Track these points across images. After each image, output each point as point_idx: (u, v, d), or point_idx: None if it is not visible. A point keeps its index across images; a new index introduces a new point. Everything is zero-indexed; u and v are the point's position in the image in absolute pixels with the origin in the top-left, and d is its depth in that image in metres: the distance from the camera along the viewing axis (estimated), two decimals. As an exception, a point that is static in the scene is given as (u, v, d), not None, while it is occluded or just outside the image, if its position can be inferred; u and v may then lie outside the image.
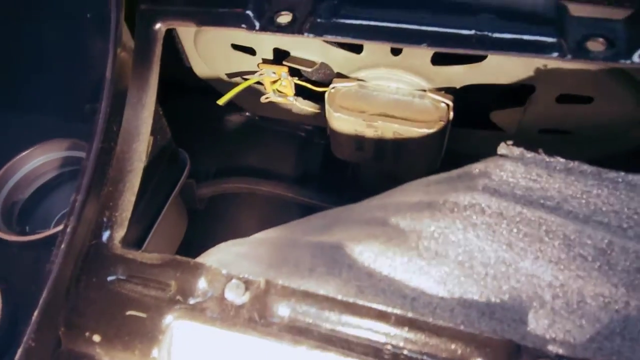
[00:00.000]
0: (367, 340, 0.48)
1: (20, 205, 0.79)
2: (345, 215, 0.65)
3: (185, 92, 1.08)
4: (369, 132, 0.78)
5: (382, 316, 0.48)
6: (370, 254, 0.54)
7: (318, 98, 0.93)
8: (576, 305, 0.47)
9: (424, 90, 0.77)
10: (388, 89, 0.77)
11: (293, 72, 0.85)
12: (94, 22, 0.63)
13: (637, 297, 0.46)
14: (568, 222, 0.51)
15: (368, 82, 0.79)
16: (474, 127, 0.85)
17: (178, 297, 0.53)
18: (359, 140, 0.81)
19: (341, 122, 0.78)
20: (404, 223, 0.56)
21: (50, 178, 0.82)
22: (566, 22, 0.53)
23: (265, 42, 0.82)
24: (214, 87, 1.01)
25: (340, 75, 0.82)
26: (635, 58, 0.49)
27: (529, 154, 0.57)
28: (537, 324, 0.47)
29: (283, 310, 0.50)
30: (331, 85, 0.79)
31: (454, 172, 0.61)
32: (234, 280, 0.53)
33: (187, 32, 0.82)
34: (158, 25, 0.62)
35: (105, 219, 0.58)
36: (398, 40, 0.56)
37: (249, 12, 0.61)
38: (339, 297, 0.49)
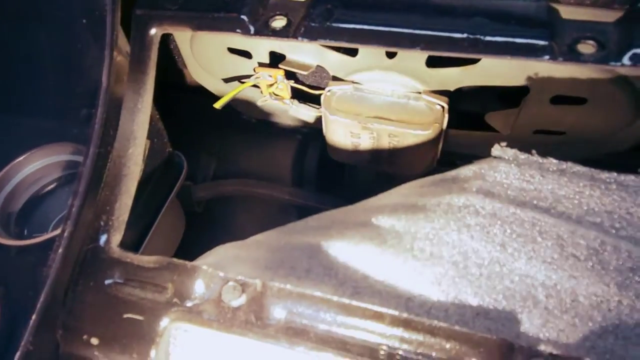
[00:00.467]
0: (363, 341, 0.48)
1: (18, 210, 0.79)
2: (341, 216, 0.65)
3: (182, 94, 1.08)
4: (365, 135, 0.79)
5: (377, 317, 0.48)
6: (366, 256, 0.55)
7: (314, 101, 0.94)
8: (569, 305, 0.47)
9: (419, 93, 0.77)
10: (383, 92, 0.78)
11: (289, 75, 0.86)
12: (90, 27, 0.63)
13: (629, 296, 0.46)
14: (561, 223, 0.51)
15: (363, 84, 0.79)
16: (469, 128, 0.86)
17: (175, 300, 0.54)
18: (355, 143, 0.81)
19: (337, 124, 0.79)
20: (399, 225, 0.56)
21: (47, 182, 0.83)
22: (557, 25, 0.54)
23: (261, 46, 0.82)
24: (210, 90, 1.02)
25: (336, 78, 0.82)
26: (625, 60, 0.50)
27: (523, 156, 0.57)
28: (531, 323, 0.47)
29: (279, 311, 0.51)
30: (327, 88, 0.80)
31: (448, 174, 0.62)
32: (230, 283, 0.54)
33: (183, 36, 0.82)
34: (154, 30, 0.62)
35: (102, 223, 0.58)
36: (392, 43, 0.56)
37: (243, 17, 0.61)
38: (335, 298, 0.50)
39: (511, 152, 0.58)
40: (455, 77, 0.75)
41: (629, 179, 0.53)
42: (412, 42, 0.55)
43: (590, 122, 0.78)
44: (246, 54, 0.85)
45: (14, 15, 0.75)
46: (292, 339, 0.50)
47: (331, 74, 0.83)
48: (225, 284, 0.54)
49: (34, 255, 0.73)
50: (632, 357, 0.45)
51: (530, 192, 0.54)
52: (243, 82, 0.92)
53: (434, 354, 0.47)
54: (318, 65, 0.83)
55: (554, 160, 0.56)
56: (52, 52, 0.72)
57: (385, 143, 0.79)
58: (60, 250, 0.56)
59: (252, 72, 0.88)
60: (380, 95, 0.78)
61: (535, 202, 0.54)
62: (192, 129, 1.17)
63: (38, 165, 0.80)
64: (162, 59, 0.97)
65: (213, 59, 0.90)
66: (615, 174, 0.53)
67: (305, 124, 1.06)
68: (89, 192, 0.59)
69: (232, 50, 0.85)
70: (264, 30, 0.61)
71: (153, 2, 0.64)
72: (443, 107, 0.76)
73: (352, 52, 0.76)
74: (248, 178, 1.11)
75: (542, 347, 0.45)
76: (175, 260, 0.56)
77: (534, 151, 0.57)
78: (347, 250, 0.56)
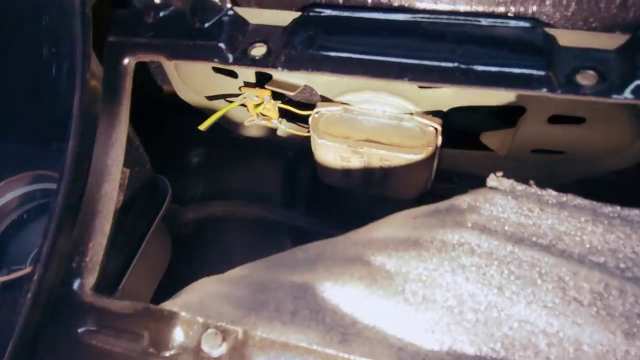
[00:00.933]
0: (351, 396, 0.45)
1: (-7, 242, 0.76)
2: (329, 250, 0.62)
3: (168, 113, 1.05)
4: (355, 159, 0.75)
5: (366, 370, 0.45)
6: (354, 299, 0.51)
7: (303, 119, 0.90)
8: (573, 354, 0.44)
9: (411, 114, 0.74)
10: (374, 113, 0.74)
11: (276, 95, 0.82)
12: (59, 55, 0.60)
13: (637, 345, 0.43)
14: (562, 262, 0.48)
15: (353, 105, 0.76)
16: (465, 146, 0.83)
17: (151, 350, 0.50)
18: (345, 166, 0.78)
19: (326, 148, 0.75)
20: (390, 263, 0.53)
21: (20, 214, 0.79)
22: (555, 53, 0.50)
23: (246, 66, 0.79)
24: (196, 107, 0.98)
25: (325, 99, 0.79)
26: (627, 93, 0.47)
27: (520, 187, 0.54)
28: (533, 374, 0.44)
29: (262, 363, 0.47)
30: (315, 110, 0.77)
31: (442, 205, 0.58)
32: (210, 330, 0.50)
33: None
34: (127, 60, 0.59)
35: (74, 265, 0.55)
36: (378, 74, 0.53)
37: (221, 45, 0.58)
38: (321, 349, 0.46)
39: (508, 183, 0.54)
40: (449, 98, 0.71)
41: (634, 213, 0.50)
42: (399, 73, 0.52)
43: (590, 142, 0.75)
44: (232, 74, 0.82)
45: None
46: (275, 393, 0.46)
47: (319, 94, 0.79)
48: (205, 330, 0.50)
49: (11, 291, 0.69)
50: (641, 410, 0.42)
51: (529, 228, 0.51)
52: (230, 101, 0.88)
53: (427, 410, 0.43)
54: (306, 85, 0.80)
55: (554, 192, 0.53)
56: (26, 80, 0.69)
57: (377, 167, 0.75)
58: (29, 295, 0.52)
59: (239, 91, 0.84)
60: (370, 116, 0.74)
61: (534, 239, 0.50)
62: (178, 147, 1.13)
63: (8, 198, 0.76)
64: (145, 76, 0.94)
65: (198, 78, 0.87)
66: (618, 208, 0.50)
67: (295, 142, 1.03)
68: (60, 231, 0.55)
69: (217, 70, 0.82)
70: (243, 59, 0.57)
71: (126, 29, 0.60)
72: (436, 128, 0.72)
73: (341, 72, 0.73)
74: (238, 197, 1.08)
75: (544, 403, 0.42)
76: (151, 306, 0.52)
77: (532, 182, 0.54)
78: (334, 290, 0.53)
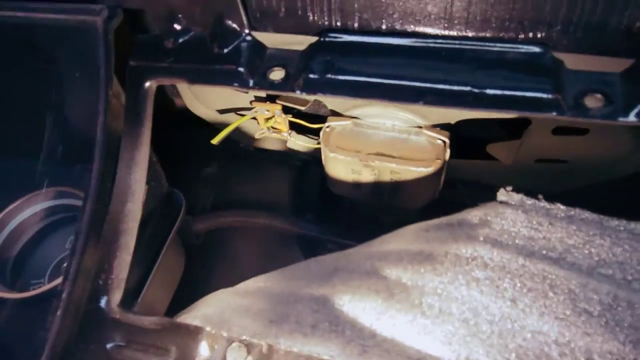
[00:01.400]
0: (373, 407, 0.47)
1: (14, 256, 0.78)
2: (343, 263, 0.64)
3: (179, 125, 1.07)
4: (366, 172, 0.77)
5: (387, 382, 0.47)
6: (372, 312, 0.53)
7: (313, 131, 0.92)
8: (584, 364, 0.46)
9: (420, 127, 0.76)
10: (383, 127, 0.77)
11: (286, 108, 0.84)
12: (84, 79, 0.62)
13: (645, 354, 0.45)
14: (572, 275, 0.50)
15: (363, 119, 0.78)
16: (471, 156, 0.85)
17: (179, 364, 0.52)
18: (355, 178, 0.80)
19: (337, 161, 0.77)
20: (406, 277, 0.55)
21: (39, 229, 0.81)
22: (563, 77, 0.53)
23: (258, 81, 0.81)
24: (206, 120, 1.00)
25: (335, 113, 0.81)
26: (632, 116, 0.49)
27: (529, 201, 0.56)
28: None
29: (287, 376, 0.50)
30: (325, 124, 0.79)
31: (454, 218, 0.61)
32: (235, 343, 0.52)
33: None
34: (148, 83, 0.61)
35: (101, 282, 0.57)
36: (393, 97, 0.55)
37: (241, 69, 0.60)
38: (344, 361, 0.48)
39: (517, 198, 0.56)
40: (456, 112, 0.73)
41: (640, 227, 0.52)
42: (415, 96, 0.54)
43: (593, 152, 0.77)
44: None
45: (13, 63, 0.73)
46: (300, 404, 0.49)
47: (329, 108, 0.81)
48: (230, 344, 0.52)
49: (32, 307, 0.71)
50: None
51: (539, 242, 0.53)
52: (240, 115, 0.90)
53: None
54: (315, 100, 0.82)
55: (562, 207, 0.55)
56: (49, 101, 0.70)
57: (387, 179, 0.78)
58: (58, 313, 0.54)
59: (249, 105, 0.86)
60: (380, 130, 0.77)
61: (544, 252, 0.53)
62: (188, 159, 1.15)
63: (35, 209, 0.78)
64: (157, 89, 0.96)
65: (210, 93, 0.89)
66: (624, 222, 0.52)
67: (304, 152, 1.05)
68: (87, 249, 0.57)
69: (228, 85, 0.84)
70: (263, 83, 0.59)
71: (147, 53, 0.62)
72: (445, 142, 0.75)
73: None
74: (247, 207, 1.09)
75: (558, 411, 0.44)
76: (178, 321, 0.54)
77: (540, 196, 0.56)
78: (353, 304, 0.55)
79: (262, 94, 0.81)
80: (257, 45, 0.61)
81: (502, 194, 0.58)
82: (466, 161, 0.85)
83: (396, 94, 0.55)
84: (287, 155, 1.13)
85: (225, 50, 0.61)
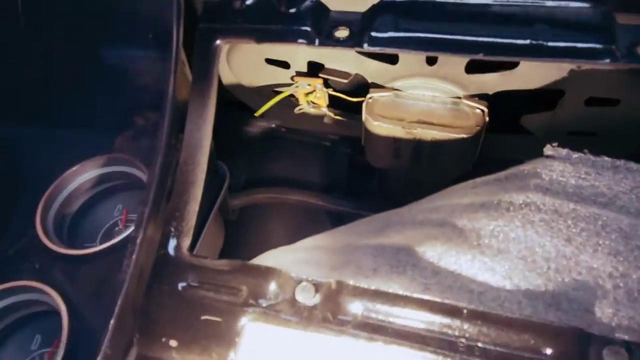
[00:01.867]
0: (441, 334, 0.50)
1: (69, 220, 0.81)
2: (395, 218, 0.67)
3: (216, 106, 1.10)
4: (407, 139, 0.81)
5: (454, 311, 0.50)
6: (433, 254, 0.57)
7: (349, 108, 0.96)
8: (637, 294, 0.50)
9: (459, 98, 0.80)
10: (424, 97, 0.80)
11: (326, 83, 0.88)
12: (154, 41, 0.65)
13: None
14: (622, 217, 0.53)
15: (404, 91, 0.82)
16: (504, 132, 0.89)
17: (251, 301, 0.55)
18: (396, 148, 0.84)
19: (379, 130, 0.81)
20: (461, 223, 0.58)
21: (95, 193, 0.84)
22: (615, 30, 0.57)
23: (301, 56, 0.84)
24: (240, 100, 1.04)
25: (375, 85, 0.85)
26: None
27: (576, 154, 0.60)
28: (602, 312, 0.49)
29: (356, 309, 0.53)
30: (368, 95, 0.82)
31: (501, 174, 0.64)
32: (303, 283, 0.55)
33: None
34: (218, 42, 0.65)
35: (172, 229, 0.60)
36: (456, 51, 0.59)
37: (307, 28, 0.64)
38: (411, 294, 0.52)
39: (564, 152, 0.60)
40: (494, 82, 0.77)
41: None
42: (475, 49, 0.58)
43: (623, 122, 0.81)
44: (284, 64, 0.87)
45: (77, 30, 0.77)
46: (370, 334, 0.52)
47: (370, 81, 0.85)
48: (298, 284, 0.55)
49: (90, 264, 0.74)
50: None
51: (588, 189, 0.57)
52: (277, 92, 0.94)
53: (511, 345, 0.49)
54: (356, 74, 0.86)
55: (607, 158, 0.59)
56: (106, 68, 0.74)
57: (427, 147, 0.81)
58: (133, 256, 0.57)
59: (289, 82, 0.90)
60: (421, 101, 0.80)
61: (593, 198, 0.56)
62: (222, 138, 1.19)
63: (90, 176, 0.82)
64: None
65: (250, 70, 0.93)
66: (668, 169, 0.56)
67: (338, 131, 1.09)
68: (157, 200, 0.60)
69: (269, 61, 0.88)
70: (329, 40, 0.63)
71: (215, 16, 0.66)
72: (483, 110, 0.78)
73: (393, 60, 0.79)
74: (279, 185, 1.13)
75: (615, 335, 0.48)
76: (248, 263, 0.57)
77: (586, 150, 0.60)
78: (411, 248, 0.58)
79: (303, 66, 0.84)
80: (321, 7, 0.65)
81: (548, 149, 0.61)
82: (500, 136, 0.89)
83: (458, 47, 0.59)
84: (317, 137, 1.17)
85: (292, 11, 0.65)
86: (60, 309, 0.65)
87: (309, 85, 0.88)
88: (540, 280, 0.52)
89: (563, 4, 0.59)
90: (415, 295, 0.52)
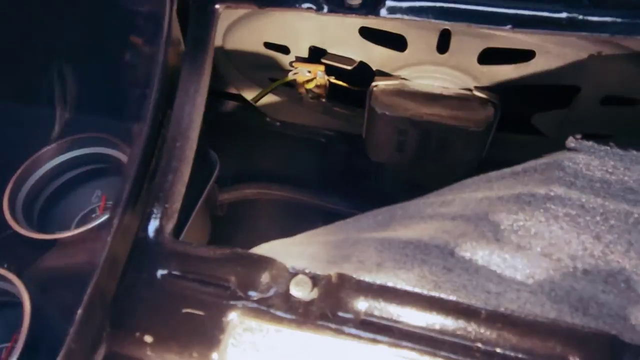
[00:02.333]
0: (454, 337, 0.44)
1: (41, 204, 0.74)
2: (401, 212, 0.62)
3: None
4: (412, 132, 0.76)
5: (470, 312, 0.44)
6: (444, 249, 0.51)
7: (349, 101, 0.91)
8: (674, 299, 0.44)
9: (469, 90, 0.75)
10: (432, 87, 0.75)
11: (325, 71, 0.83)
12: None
13: None
14: (655, 214, 0.48)
15: (411, 80, 0.77)
16: (513, 132, 0.84)
17: (239, 294, 0.49)
18: (400, 140, 0.78)
19: (384, 120, 0.76)
20: (475, 217, 0.53)
21: (71, 177, 0.78)
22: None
23: (302, 40, 0.79)
24: (232, 90, 0.98)
25: (381, 74, 0.79)
26: None
27: (602, 147, 0.55)
28: (637, 319, 0.44)
29: (359, 305, 0.47)
30: (373, 84, 0.77)
31: (518, 167, 0.59)
32: (300, 275, 0.49)
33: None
34: (217, 5, 0.59)
35: (155, 210, 0.53)
36: (479, 21, 0.54)
37: (315, -7, 0.58)
38: (422, 291, 0.46)
39: (589, 143, 0.55)
40: (507, 75, 0.73)
41: None
42: (501, 20, 0.53)
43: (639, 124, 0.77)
44: (284, 49, 0.82)
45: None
46: (374, 335, 0.46)
47: (375, 68, 0.80)
48: (294, 276, 0.49)
49: (59, 250, 0.67)
50: None
51: (616, 184, 0.52)
52: (274, 79, 0.89)
53: (534, 351, 0.43)
54: (360, 61, 0.81)
55: (635, 152, 0.54)
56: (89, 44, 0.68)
57: (433, 140, 0.76)
58: (108, 239, 0.51)
59: (288, 68, 0.84)
60: (429, 91, 0.75)
61: (622, 194, 0.51)
62: (211, 130, 1.13)
63: (61, 159, 0.75)
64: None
65: (247, 54, 0.87)
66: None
67: (334, 126, 1.03)
68: (139, 177, 0.54)
69: (268, 45, 0.82)
70: (340, 8, 0.58)
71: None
72: (495, 104, 0.74)
73: (401, 47, 0.74)
74: (271, 181, 1.07)
75: (651, 344, 0.42)
76: (239, 250, 0.51)
77: (612, 143, 0.55)
78: (420, 242, 0.53)
79: (303, 52, 0.79)
80: (332, -31, 0.60)
81: (571, 141, 0.56)
82: (509, 135, 0.84)
83: (484, 18, 0.54)
84: (312, 132, 1.11)
85: (299, -27, 0.59)
86: (22, 298, 0.58)
87: (309, 72, 0.83)
88: (566, 281, 0.46)
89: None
90: (428, 293, 0.46)
